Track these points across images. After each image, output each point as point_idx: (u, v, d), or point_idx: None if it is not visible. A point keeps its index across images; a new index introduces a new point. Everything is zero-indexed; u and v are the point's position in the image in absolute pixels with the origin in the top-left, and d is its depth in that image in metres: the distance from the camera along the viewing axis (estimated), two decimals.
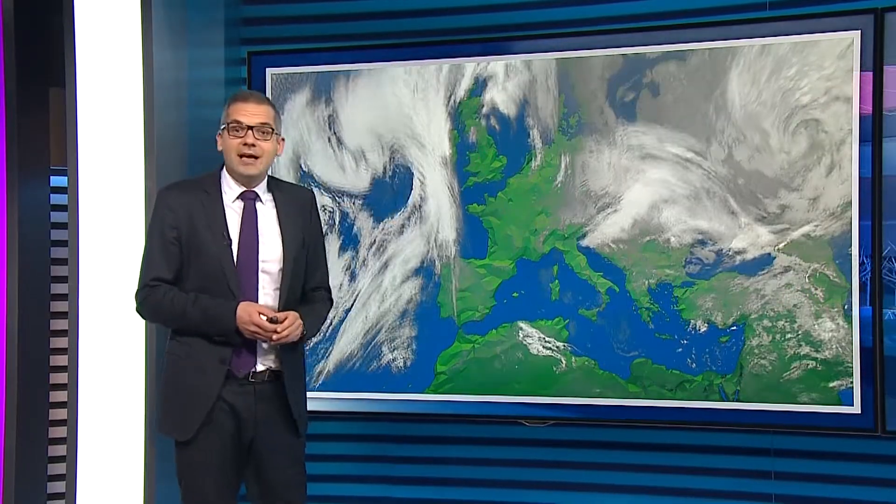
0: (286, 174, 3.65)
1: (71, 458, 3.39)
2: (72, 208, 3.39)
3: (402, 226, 3.61)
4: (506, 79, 3.52)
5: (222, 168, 2.78)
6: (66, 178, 3.42)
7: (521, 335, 3.50)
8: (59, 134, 3.62)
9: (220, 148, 2.76)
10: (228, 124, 2.71)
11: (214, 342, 2.67)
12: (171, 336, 2.77)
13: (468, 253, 3.56)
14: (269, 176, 2.82)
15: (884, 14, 3.17)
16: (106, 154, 3.39)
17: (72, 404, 3.38)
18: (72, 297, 3.38)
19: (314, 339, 3.59)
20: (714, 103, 3.34)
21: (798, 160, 3.27)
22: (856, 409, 3.23)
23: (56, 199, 3.77)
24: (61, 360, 3.62)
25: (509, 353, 3.52)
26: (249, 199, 2.74)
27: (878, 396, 3.19)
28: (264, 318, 2.64)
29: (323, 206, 3.61)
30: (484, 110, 3.55)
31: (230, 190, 2.74)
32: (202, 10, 3.69)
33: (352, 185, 3.64)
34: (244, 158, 2.71)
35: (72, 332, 3.38)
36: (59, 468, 3.65)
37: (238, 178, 2.74)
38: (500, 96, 3.53)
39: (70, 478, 3.39)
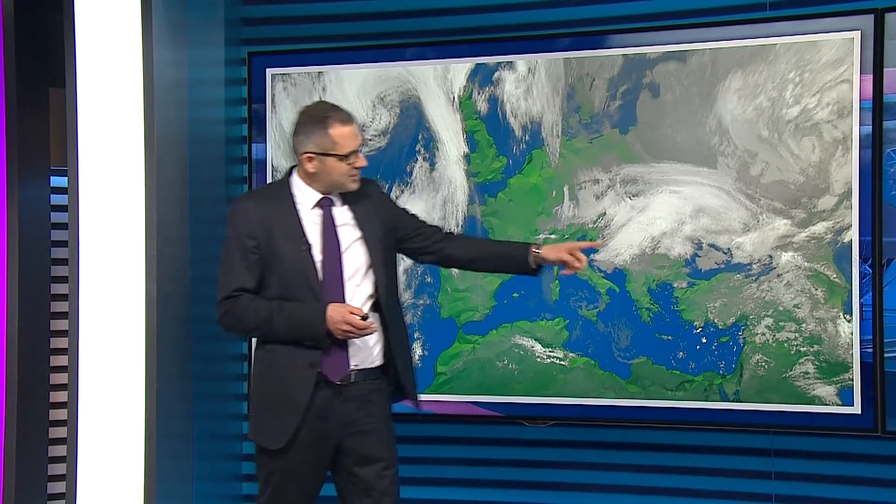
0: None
1: (71, 458, 3.38)
2: (72, 208, 3.38)
3: None
4: (506, 79, 3.52)
5: (290, 176, 2.76)
6: (67, 178, 3.42)
7: (522, 335, 3.50)
8: (59, 134, 3.62)
9: (312, 169, 2.69)
10: (340, 155, 2.67)
11: (303, 346, 2.65)
12: (257, 345, 2.77)
13: None
14: None
15: (884, 14, 3.17)
16: (106, 154, 3.39)
17: (72, 405, 3.38)
18: (72, 297, 3.38)
19: None
20: (713, 103, 3.34)
21: (797, 162, 3.27)
22: (856, 409, 3.23)
23: (56, 199, 3.76)
24: (61, 360, 3.62)
25: (509, 353, 3.52)
26: (327, 205, 2.74)
27: (878, 396, 3.19)
28: (356, 317, 2.60)
29: None
30: (484, 111, 3.54)
31: (307, 198, 2.73)
32: (202, 10, 3.69)
33: None
34: (354, 176, 2.72)
35: (72, 333, 3.38)
36: (59, 468, 3.64)
37: (322, 187, 2.72)
38: (501, 97, 3.52)
39: (70, 478, 3.39)
